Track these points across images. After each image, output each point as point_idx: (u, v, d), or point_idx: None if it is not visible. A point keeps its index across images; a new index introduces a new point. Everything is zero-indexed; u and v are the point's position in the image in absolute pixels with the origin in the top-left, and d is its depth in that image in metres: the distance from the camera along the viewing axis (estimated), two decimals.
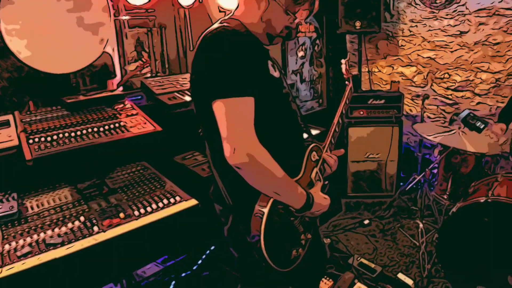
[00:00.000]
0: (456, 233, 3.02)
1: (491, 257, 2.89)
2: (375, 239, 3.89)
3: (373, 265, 3.27)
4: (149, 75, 3.09)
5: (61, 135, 2.17)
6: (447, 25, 4.78)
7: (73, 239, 1.84)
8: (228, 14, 1.72)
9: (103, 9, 2.54)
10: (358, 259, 3.35)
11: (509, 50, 4.50)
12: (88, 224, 1.97)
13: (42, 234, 1.88)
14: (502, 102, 4.41)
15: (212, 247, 2.97)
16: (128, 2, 2.71)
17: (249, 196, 1.56)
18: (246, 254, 1.76)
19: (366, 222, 4.15)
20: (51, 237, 1.86)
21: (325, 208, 1.75)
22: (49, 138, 2.13)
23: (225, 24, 1.60)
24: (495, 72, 4.63)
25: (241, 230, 1.65)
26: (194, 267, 2.84)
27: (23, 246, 1.77)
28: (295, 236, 1.74)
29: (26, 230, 1.92)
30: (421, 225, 3.70)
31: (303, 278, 2.11)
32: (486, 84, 4.71)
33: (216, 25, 1.62)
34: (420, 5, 4.80)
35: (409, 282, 3.13)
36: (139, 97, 2.89)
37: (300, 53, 4.87)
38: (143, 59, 3.10)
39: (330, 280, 3.05)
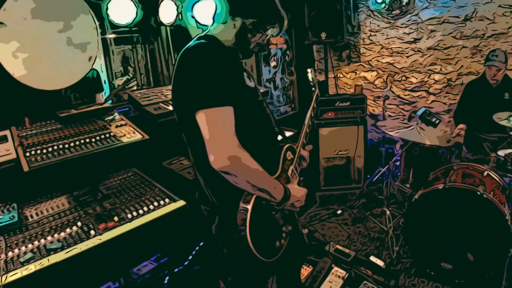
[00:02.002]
0: (419, 217, 3.07)
1: (452, 236, 2.94)
2: (347, 227, 3.90)
3: (347, 251, 3.27)
4: (135, 88, 3.05)
5: (55, 147, 2.13)
6: (403, 33, 4.88)
7: (72, 243, 1.82)
8: (205, 31, 1.72)
9: (90, 29, 2.51)
10: (334, 245, 3.34)
11: (458, 53, 4.62)
12: (85, 228, 1.94)
13: (42, 240, 1.85)
14: (454, 100, 4.51)
15: (201, 243, 2.95)
16: (114, 22, 2.66)
17: (233, 196, 1.57)
18: (233, 248, 1.76)
19: (339, 212, 4.18)
20: (51, 242, 1.83)
21: (302, 198, 1.76)
22: (44, 151, 2.09)
23: (202, 40, 1.59)
24: (447, 73, 4.76)
25: (228, 227, 1.65)
26: (186, 263, 2.81)
27: (25, 253, 1.74)
28: (277, 228, 1.75)
29: (28, 237, 1.88)
30: (388, 212, 3.70)
31: (286, 266, 2.11)
32: (439, 84, 4.84)
33: (194, 42, 1.61)
34: (378, 16, 4.88)
35: (380, 263, 3.15)
36: (127, 108, 2.85)
37: (273, 63, 4.88)
38: (129, 73, 3.07)
39: (310, 266, 3.06)
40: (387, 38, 5.02)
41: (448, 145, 3.46)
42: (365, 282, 2.88)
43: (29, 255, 1.71)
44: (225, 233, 1.73)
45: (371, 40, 5.13)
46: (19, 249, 1.77)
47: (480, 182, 2.94)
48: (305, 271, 3.01)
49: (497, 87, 3.84)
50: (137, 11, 2.73)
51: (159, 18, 2.96)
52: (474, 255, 2.89)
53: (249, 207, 1.54)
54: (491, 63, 3.72)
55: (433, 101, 4.92)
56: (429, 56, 4.81)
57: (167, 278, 2.64)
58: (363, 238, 3.67)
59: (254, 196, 1.56)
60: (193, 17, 3.18)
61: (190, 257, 2.86)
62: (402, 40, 4.92)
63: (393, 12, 4.16)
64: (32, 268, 1.63)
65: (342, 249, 3.29)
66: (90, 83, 2.62)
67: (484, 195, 2.75)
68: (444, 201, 2.93)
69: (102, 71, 2.75)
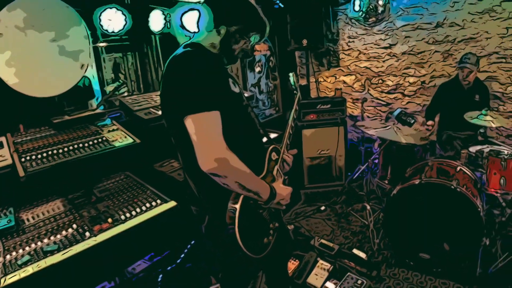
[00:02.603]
0: (398, 211, 3.10)
1: (429, 228, 2.99)
2: (331, 222, 3.92)
3: (331, 244, 3.29)
4: (126, 94, 3.02)
5: (50, 152, 2.10)
6: (379, 39, 4.95)
7: (68, 245, 1.78)
8: (191, 39, 1.71)
9: (82, 37, 2.48)
10: (318, 240, 3.36)
11: (430, 57, 4.71)
12: (81, 230, 1.91)
13: (39, 243, 1.81)
14: (427, 101, 4.58)
15: (192, 242, 2.93)
16: (105, 30, 2.63)
17: (221, 196, 1.57)
18: (223, 246, 1.77)
19: (323, 208, 4.20)
20: (48, 245, 1.79)
21: (287, 197, 1.76)
22: (39, 156, 2.06)
23: (188, 48, 1.59)
24: (420, 76, 4.84)
25: (217, 226, 1.64)
26: (178, 261, 2.79)
27: (23, 255, 1.71)
28: (264, 226, 1.76)
29: (25, 240, 1.85)
30: (368, 207, 3.73)
31: (274, 261, 2.13)
32: (413, 86, 4.91)
33: (181, 49, 1.61)
34: (355, 23, 4.93)
35: (363, 255, 3.16)
36: (118, 114, 2.82)
37: (257, 69, 4.90)
38: (120, 80, 3.04)
39: (297, 260, 3.06)
40: (364, 44, 5.08)
41: (423, 143, 3.50)
42: (349, 273, 2.91)
43: (27, 257, 1.68)
44: (215, 232, 1.73)
45: (349, 46, 5.19)
46: (17, 252, 1.74)
47: (453, 177, 2.99)
48: (292, 265, 3.02)
49: (468, 89, 3.91)
50: (127, 20, 2.70)
51: (149, 27, 2.94)
52: (450, 245, 2.94)
53: (237, 206, 1.55)
54: (464, 65, 3.80)
55: (408, 102, 5.00)
56: (404, 61, 4.88)
57: (161, 276, 2.61)
58: (346, 232, 3.70)
59: (242, 196, 1.56)
60: (181, 26, 3.16)
61: (182, 256, 2.83)
62: (379, 45, 4.99)
63: (370, 20, 4.21)
64: (30, 270, 1.60)
65: (326, 243, 3.30)
66: (82, 90, 2.58)
67: (458, 189, 2.81)
68: (421, 195, 2.98)
69: (94, 78, 2.72)
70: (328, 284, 2.82)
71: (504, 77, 4.35)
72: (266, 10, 1.68)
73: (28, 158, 2.03)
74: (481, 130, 3.82)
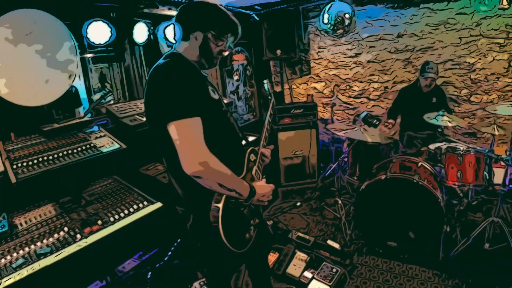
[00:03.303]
0: (367, 204, 3.14)
1: (395, 219, 3.04)
2: (306, 216, 3.93)
3: (307, 237, 3.29)
4: (112, 102, 2.95)
5: (40, 159, 2.04)
6: (346, 49, 5.02)
7: (60, 248, 1.74)
8: (172, 49, 1.70)
9: (70, 49, 2.43)
10: (295, 233, 3.35)
11: (392, 65, 4.81)
12: (72, 233, 1.86)
13: (32, 246, 1.76)
14: (390, 104, 4.67)
15: (178, 240, 2.90)
16: (91, 42, 2.58)
17: (205, 197, 1.57)
18: (207, 243, 1.77)
19: (298, 204, 4.20)
20: (41, 248, 1.74)
21: (268, 194, 1.76)
22: (30, 163, 1.99)
23: (169, 59, 1.59)
24: (384, 82, 4.93)
25: (202, 224, 1.63)
26: (166, 258, 2.74)
27: (17, 259, 1.66)
28: (246, 222, 1.76)
29: (18, 244, 1.79)
30: (340, 202, 3.75)
31: (255, 254, 2.15)
32: (377, 91, 5.01)
33: (162, 59, 1.60)
34: (325, 35, 4.98)
35: (336, 245, 3.18)
36: (105, 121, 2.76)
37: (235, 77, 4.88)
38: (106, 88, 2.97)
39: (276, 253, 3.05)
40: (333, 54, 5.13)
41: (387, 142, 3.55)
42: (324, 262, 2.91)
43: (21, 260, 1.63)
44: (199, 230, 1.72)
45: (319, 55, 5.23)
46: (11, 256, 1.68)
47: (415, 172, 3.04)
48: (272, 257, 3.01)
49: (426, 93, 3.99)
50: (112, 32, 2.65)
51: (133, 38, 2.90)
52: (414, 233, 2.99)
53: (220, 205, 1.55)
54: (427, 75, 3.86)
55: (373, 105, 5.08)
56: (369, 68, 4.96)
57: (150, 273, 2.56)
58: (320, 225, 3.71)
59: (224, 196, 1.57)
60: (164, 38, 3.14)
61: (170, 253, 2.79)
62: (346, 55, 5.05)
63: (338, 32, 4.24)
64: (24, 273, 1.56)
65: (303, 236, 3.31)
66: (70, 99, 2.52)
67: (420, 183, 2.87)
68: (387, 189, 3.02)
69: (81, 88, 2.65)
70: (306, 273, 2.82)
71: (458, 82, 4.50)
72: (243, 22, 1.71)
73: (19, 165, 1.96)
74: (439, 130, 3.94)
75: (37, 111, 2.32)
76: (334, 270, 2.82)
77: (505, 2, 3.51)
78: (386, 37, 4.74)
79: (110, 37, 2.66)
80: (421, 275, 2.86)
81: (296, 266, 2.91)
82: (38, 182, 1.92)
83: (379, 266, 3.00)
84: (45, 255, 1.68)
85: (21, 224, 1.97)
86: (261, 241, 2.01)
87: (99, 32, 2.60)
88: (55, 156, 2.10)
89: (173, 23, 1.72)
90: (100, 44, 2.62)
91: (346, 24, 4.16)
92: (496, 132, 3.18)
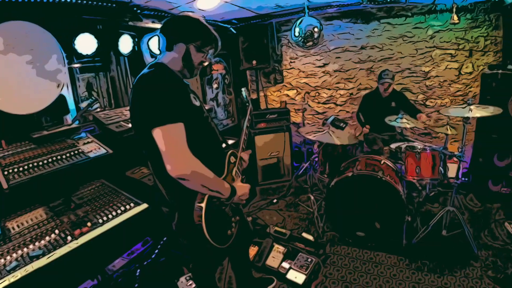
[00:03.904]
0: (336, 199, 3.17)
1: (362, 211, 3.08)
2: (282, 212, 3.93)
3: (284, 230, 3.29)
4: (99, 109, 2.87)
5: (31, 165, 1.96)
6: (315, 60, 5.07)
7: (52, 249, 1.70)
8: (155, 59, 1.68)
9: (58, 59, 2.35)
10: (273, 228, 3.34)
11: (356, 74, 4.90)
12: (62, 235, 1.81)
13: (25, 249, 1.69)
14: (355, 109, 4.75)
15: (165, 238, 2.84)
16: (79, 52, 2.51)
17: (189, 197, 1.56)
18: (192, 240, 1.76)
19: (275, 201, 4.19)
20: (33, 250, 1.68)
21: (247, 193, 1.77)
22: (21, 169, 1.92)
23: (153, 68, 1.57)
24: (349, 89, 5.01)
25: (186, 223, 1.62)
26: (153, 256, 2.68)
27: (11, 262, 1.59)
28: (227, 220, 1.76)
29: (12, 247, 1.71)
30: (312, 197, 3.73)
31: (237, 249, 2.15)
32: (343, 98, 5.08)
33: (147, 69, 1.58)
34: (296, 47, 5.02)
35: (310, 237, 3.20)
36: (92, 128, 2.67)
37: (215, 85, 4.85)
38: (92, 97, 2.89)
39: (256, 246, 3.04)
40: (303, 64, 5.17)
41: (353, 143, 3.60)
42: (300, 253, 2.92)
43: (15, 263, 1.57)
44: (184, 228, 1.70)
45: (291, 65, 5.26)
46: (5, 259, 1.62)
47: (379, 169, 3.10)
48: (252, 251, 3.00)
49: (386, 98, 4.08)
50: (98, 43, 2.59)
51: (118, 49, 2.84)
52: (380, 224, 3.05)
53: (203, 205, 1.55)
54: (383, 81, 3.97)
55: (339, 110, 5.15)
56: (335, 77, 5.02)
57: (139, 270, 2.50)
58: (295, 220, 3.72)
59: (206, 196, 1.57)
60: (148, 49, 3.08)
61: (156, 251, 2.73)
62: (315, 65, 5.10)
63: (307, 44, 4.28)
64: (18, 275, 1.50)
65: (279, 230, 3.30)
66: (58, 107, 2.43)
67: (383, 178, 2.93)
68: (354, 184, 3.06)
69: (69, 96, 2.56)
70: (283, 264, 2.82)
71: (415, 88, 4.63)
72: (221, 35, 1.70)
73: (10, 171, 1.88)
74: (399, 131, 4.05)
75: (27, 119, 2.23)
76: (309, 260, 2.84)
77: (455, 18, 3.64)
78: (350, 49, 4.82)
79: (96, 48, 2.59)
80: (387, 260, 2.91)
81: (275, 258, 2.90)
82: (29, 187, 1.85)
83: (349, 254, 3.03)
84: (37, 257, 1.62)
85: (13, 228, 1.89)
86: (242, 237, 2.01)
87: (86, 43, 2.53)
88: (45, 162, 2.03)
89: (157, 35, 1.70)
90: (87, 54, 2.55)
91: (315, 37, 4.21)
92: (449, 132, 3.30)
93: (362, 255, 3.01)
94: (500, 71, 3.68)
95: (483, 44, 4.23)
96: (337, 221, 3.27)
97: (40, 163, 2.00)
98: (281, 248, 3.00)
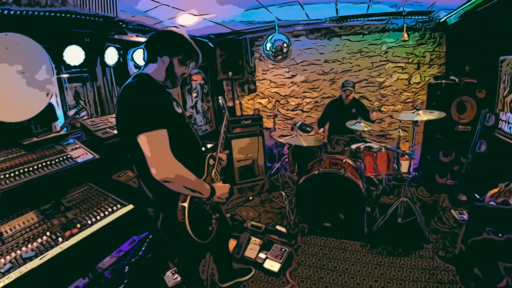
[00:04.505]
0: (305, 195, 3.19)
1: (328, 204, 3.11)
2: (257, 208, 3.90)
3: (259, 224, 3.28)
4: (86, 117, 2.78)
5: (22, 170, 1.87)
6: (284, 72, 5.11)
7: (44, 251, 1.62)
8: (140, 70, 1.65)
9: (48, 70, 2.25)
10: (250, 222, 3.33)
11: (321, 84, 4.98)
12: (54, 237, 1.74)
13: (18, 251, 1.61)
14: (318, 114, 4.82)
15: (150, 236, 2.78)
16: (67, 63, 2.41)
17: (172, 198, 1.54)
18: (176, 237, 1.74)
19: (251, 198, 4.15)
20: (26, 252, 1.60)
21: (226, 192, 1.76)
22: (12, 174, 1.82)
23: (138, 78, 1.54)
24: (314, 97, 5.09)
25: (171, 221, 1.60)
26: (140, 253, 2.60)
27: (5, 264, 1.50)
28: (208, 217, 1.75)
29: (5, 250, 1.62)
30: (283, 194, 3.77)
31: (218, 244, 2.14)
32: (309, 105, 5.15)
33: (131, 79, 1.55)
34: (267, 60, 5.04)
35: (283, 229, 3.18)
36: (80, 134, 2.58)
37: (194, 94, 4.80)
38: (80, 105, 2.78)
39: (235, 240, 3.01)
40: (274, 75, 5.19)
41: (318, 144, 3.62)
42: (275, 244, 2.92)
43: (9, 265, 1.48)
44: (169, 227, 1.68)
45: (263, 76, 5.27)
46: None
47: (341, 167, 3.13)
48: (232, 244, 2.97)
49: (348, 105, 4.17)
50: (86, 55, 2.50)
51: (105, 61, 2.76)
52: (344, 215, 3.09)
53: (186, 205, 1.54)
54: (345, 88, 4.05)
55: (306, 116, 5.20)
56: (302, 87, 5.09)
57: (127, 267, 2.42)
58: (269, 214, 3.70)
59: (189, 196, 1.55)
60: (132, 60, 3.02)
61: (143, 248, 2.66)
62: (284, 76, 5.14)
63: (277, 58, 4.32)
64: (12, 276, 1.42)
65: (255, 224, 3.29)
66: (47, 115, 2.32)
67: (345, 175, 2.98)
68: (320, 181, 3.10)
69: (58, 104, 2.46)
70: (260, 254, 2.81)
71: (371, 96, 4.77)
72: (200, 48, 1.69)
73: (2, 177, 1.79)
74: (358, 133, 4.13)
75: (17, 127, 2.12)
76: (283, 249, 2.84)
77: (405, 36, 3.81)
78: (315, 62, 4.91)
79: (84, 60, 2.51)
80: (351, 247, 2.95)
81: (252, 250, 2.89)
82: (20, 192, 1.77)
83: (318, 243, 3.05)
84: (30, 258, 1.55)
85: (6, 232, 1.78)
86: (221, 232, 2.00)
87: (74, 55, 2.45)
88: (35, 167, 1.94)
89: (142, 48, 1.67)
90: (75, 65, 2.46)
91: (284, 51, 4.27)
92: (401, 134, 3.42)
93: (330, 243, 3.03)
94: (443, 81, 3.81)
95: (429, 58, 4.44)
96: (306, 214, 3.28)
97: (31, 169, 1.91)
98: (258, 241, 2.99)
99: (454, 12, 3.73)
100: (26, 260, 1.54)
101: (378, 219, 3.16)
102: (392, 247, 2.89)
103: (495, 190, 2.11)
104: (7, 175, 1.81)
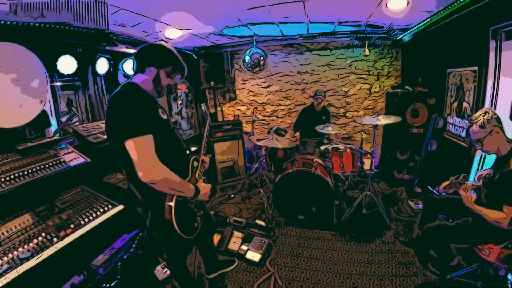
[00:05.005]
0: (281, 191, 3.21)
1: (302, 199, 3.14)
2: (239, 204, 3.87)
3: (241, 219, 3.27)
4: (78, 123, 2.67)
5: (17, 174, 1.78)
6: (261, 82, 5.13)
7: (40, 251, 1.55)
8: (129, 79, 1.62)
9: (42, 78, 2.15)
10: (232, 218, 3.31)
11: (293, 93, 5.03)
12: (49, 237, 1.67)
13: (15, 252, 1.53)
14: (291, 121, 4.92)
15: (140, 234, 2.70)
16: (60, 72, 2.31)
17: (159, 198, 1.53)
18: (164, 233, 1.72)
19: (232, 196, 4.11)
20: (23, 253, 1.52)
21: (209, 192, 1.75)
22: (8, 178, 1.73)
23: (126, 87, 1.52)
24: (287, 105, 5.14)
25: (158, 220, 1.58)
26: (131, 250, 2.52)
27: (2, 265, 1.42)
28: (193, 214, 1.74)
29: (2, 252, 1.53)
30: (262, 191, 3.80)
31: (203, 238, 2.12)
32: (284, 112, 5.19)
33: (120, 88, 1.52)
34: (246, 71, 4.99)
35: (262, 223, 3.20)
36: (72, 139, 2.48)
37: (179, 102, 4.72)
38: (72, 112, 2.67)
39: (219, 234, 2.99)
40: (252, 85, 5.19)
41: (292, 146, 3.68)
42: (255, 237, 2.93)
43: (6, 266, 1.40)
44: (157, 225, 1.65)
45: (242, 86, 5.26)
46: None
47: (312, 166, 3.17)
48: (216, 238, 2.94)
49: (318, 112, 4.25)
50: (78, 64, 2.41)
51: (96, 70, 2.66)
52: (316, 208, 3.13)
53: (172, 204, 1.52)
54: (317, 97, 4.13)
55: (281, 121, 5.24)
56: (277, 96, 5.12)
57: (119, 263, 2.34)
58: (249, 210, 3.69)
59: (174, 196, 1.54)
60: (122, 70, 2.94)
61: (134, 245, 2.58)
62: (261, 86, 5.16)
63: (255, 69, 4.33)
64: (10, 276, 1.35)
65: (237, 219, 3.28)
66: (41, 121, 2.21)
67: (316, 173, 3.02)
68: (294, 179, 3.11)
69: (51, 111, 2.34)
70: (242, 246, 2.81)
71: (337, 103, 4.88)
72: (185, 59, 1.68)
73: None
74: (326, 136, 4.24)
75: (12, 132, 2.00)
76: (262, 241, 2.85)
77: (367, 51, 3.97)
78: (288, 74, 4.96)
79: (76, 69, 2.42)
80: (323, 236, 2.99)
81: (235, 243, 2.88)
82: (15, 194, 1.69)
83: (294, 234, 3.07)
84: (27, 259, 1.48)
85: (3, 234, 1.68)
86: (206, 227, 2.00)
87: (67, 64, 2.35)
88: (30, 171, 1.84)
89: (132, 58, 1.63)
90: (68, 74, 2.36)
91: (261, 64, 4.28)
92: (363, 136, 3.55)
93: (304, 234, 3.05)
94: (399, 90, 3.94)
95: (387, 71, 4.61)
96: (282, 208, 3.29)
97: (26, 172, 1.81)
98: (240, 234, 2.98)
99: (408, 32, 3.91)
100: (23, 260, 1.46)
101: (346, 211, 3.20)
102: (358, 235, 2.95)
103: (447, 182, 2.17)
104: (2, 179, 1.71)
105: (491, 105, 2.74)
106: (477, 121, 1.94)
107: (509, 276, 2.01)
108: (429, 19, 3.18)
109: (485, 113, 1.95)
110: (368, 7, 2.87)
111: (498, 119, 1.92)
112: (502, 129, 1.93)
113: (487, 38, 2.68)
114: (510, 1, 2.22)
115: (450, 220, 2.32)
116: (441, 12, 2.87)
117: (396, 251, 2.70)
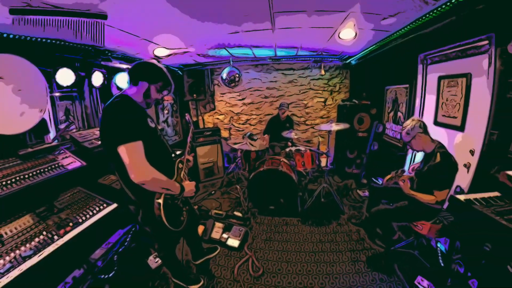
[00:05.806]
0: (255, 187, 3.20)
1: (272, 192, 3.17)
2: (219, 199, 3.82)
3: (221, 212, 3.25)
4: (75, 130, 2.51)
5: (18, 178, 1.66)
6: (236, 95, 5.12)
7: (42, 248, 1.47)
8: (122, 91, 1.59)
9: (42, 89, 2.01)
10: (213, 211, 3.28)
11: (263, 105, 5.07)
12: (49, 235, 1.57)
13: (17, 251, 1.42)
14: (261, 128, 4.95)
15: (133, 229, 2.59)
16: (59, 83, 2.17)
17: (149, 196, 1.51)
18: (155, 227, 1.70)
19: (213, 192, 4.06)
20: (25, 251, 1.42)
21: (193, 188, 1.74)
22: (9, 181, 1.60)
23: (119, 98, 1.49)
24: (258, 115, 5.16)
25: (149, 216, 1.56)
26: (126, 243, 2.42)
27: (4, 264, 1.31)
28: (179, 210, 1.72)
29: (5, 251, 1.42)
30: (238, 187, 3.82)
31: (189, 230, 2.13)
32: (255, 120, 5.21)
33: (114, 99, 1.49)
34: (223, 86, 4.98)
35: (240, 214, 3.19)
36: (69, 145, 2.34)
37: (166, 111, 4.60)
38: (69, 120, 2.51)
39: (202, 226, 2.95)
40: (229, 98, 5.17)
41: (263, 149, 3.68)
42: (234, 226, 2.92)
43: (9, 265, 1.30)
44: (148, 220, 1.64)
45: (221, 98, 5.22)
46: (4, 260, 1.32)
47: (279, 165, 3.19)
48: (200, 229, 2.90)
49: (283, 121, 4.31)
50: (75, 77, 2.28)
51: (91, 82, 2.53)
52: (284, 199, 3.18)
53: (161, 201, 1.51)
54: (282, 108, 4.18)
55: (253, 128, 5.27)
56: (250, 107, 5.14)
57: (116, 256, 2.23)
58: (228, 204, 3.65)
59: (163, 194, 1.53)
60: (115, 83, 2.82)
61: (128, 239, 2.47)
62: (236, 98, 5.15)
63: (231, 84, 4.35)
64: (13, 275, 1.25)
65: (218, 212, 3.25)
66: (41, 128, 2.06)
67: (283, 170, 3.06)
68: (265, 176, 3.12)
69: (50, 119, 2.19)
70: (223, 235, 2.80)
71: (299, 113, 4.99)
72: (171, 75, 1.68)
73: (0, 184, 1.54)
74: (290, 140, 4.31)
75: (14, 139, 1.84)
76: (240, 229, 2.85)
77: (323, 72, 4.15)
78: (259, 89, 5.01)
79: (74, 81, 2.28)
80: (291, 222, 3.04)
81: (217, 232, 2.86)
82: (17, 197, 1.57)
83: (266, 222, 3.09)
84: (29, 257, 1.39)
85: (6, 234, 1.55)
86: (191, 220, 2.00)
87: (65, 76, 2.22)
88: (30, 174, 1.73)
89: (126, 72, 1.59)
90: (66, 86, 2.22)
91: (236, 80, 4.31)
92: (320, 140, 3.69)
93: (275, 221, 3.09)
94: (348, 103, 4.12)
95: (339, 87, 4.81)
96: (256, 201, 3.29)
97: (26, 176, 1.69)
98: (220, 225, 2.97)
99: (354, 57, 4.16)
100: (25, 258, 1.36)
101: (308, 200, 3.26)
102: (319, 220, 3.04)
103: (390, 175, 2.27)
104: (4, 183, 1.58)
105: (419, 114, 3.00)
106: (405, 129, 2.12)
107: (438, 245, 2.18)
108: (370, 48, 3.42)
109: (412, 121, 2.12)
110: (323, 38, 3.03)
111: (421, 125, 2.06)
112: (426, 132, 2.06)
113: (416, 63, 2.95)
114: (433, 35, 2.45)
115: (391, 204, 2.40)
116: (380, 42, 3.08)
117: (350, 231, 2.81)
